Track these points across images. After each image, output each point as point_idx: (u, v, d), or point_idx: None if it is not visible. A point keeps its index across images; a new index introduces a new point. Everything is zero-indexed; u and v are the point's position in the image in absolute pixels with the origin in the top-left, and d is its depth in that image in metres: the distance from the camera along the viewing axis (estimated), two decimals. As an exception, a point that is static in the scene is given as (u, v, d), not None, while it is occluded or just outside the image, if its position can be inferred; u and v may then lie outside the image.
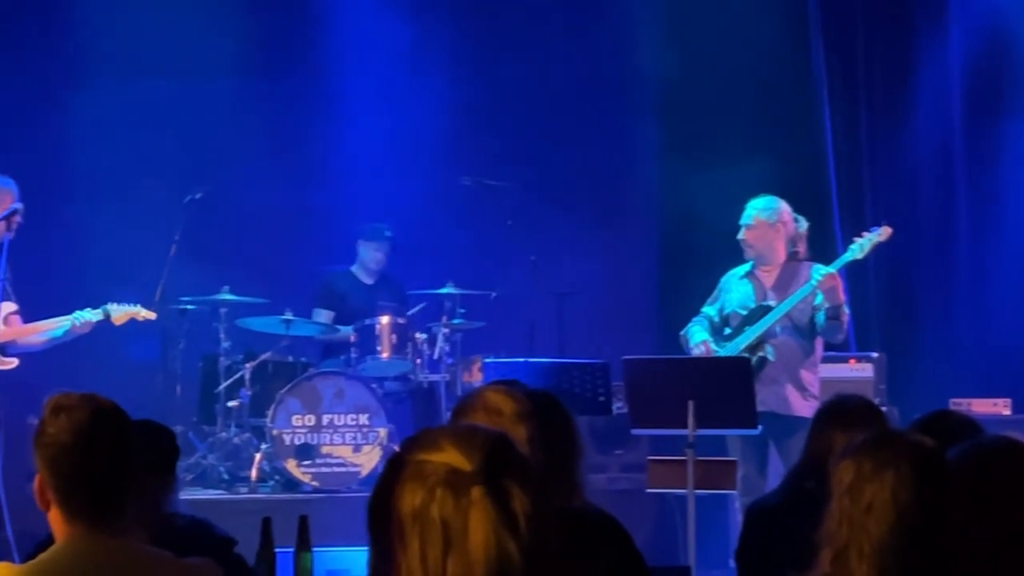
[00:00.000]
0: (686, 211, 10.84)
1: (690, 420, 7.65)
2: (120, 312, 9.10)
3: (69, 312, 9.00)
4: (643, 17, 11.44)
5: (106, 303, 9.12)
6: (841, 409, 5.03)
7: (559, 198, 11.32)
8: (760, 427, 8.15)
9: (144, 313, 9.21)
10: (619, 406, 8.92)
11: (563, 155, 11.31)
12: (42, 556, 3.20)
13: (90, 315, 8.99)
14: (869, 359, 10.09)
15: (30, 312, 9.05)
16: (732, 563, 8.45)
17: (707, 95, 11.03)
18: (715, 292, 9.12)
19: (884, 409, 8.55)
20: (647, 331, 10.57)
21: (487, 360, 9.35)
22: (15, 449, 9.00)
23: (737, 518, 8.85)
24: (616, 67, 11.62)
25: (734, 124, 10.85)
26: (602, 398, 8.36)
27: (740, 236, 8.87)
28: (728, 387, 7.78)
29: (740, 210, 8.89)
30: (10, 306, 8.93)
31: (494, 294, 10.40)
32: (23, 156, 10.33)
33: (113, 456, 3.21)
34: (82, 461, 3.19)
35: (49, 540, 3.30)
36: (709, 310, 9.06)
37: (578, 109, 11.47)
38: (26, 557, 3.70)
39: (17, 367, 9.03)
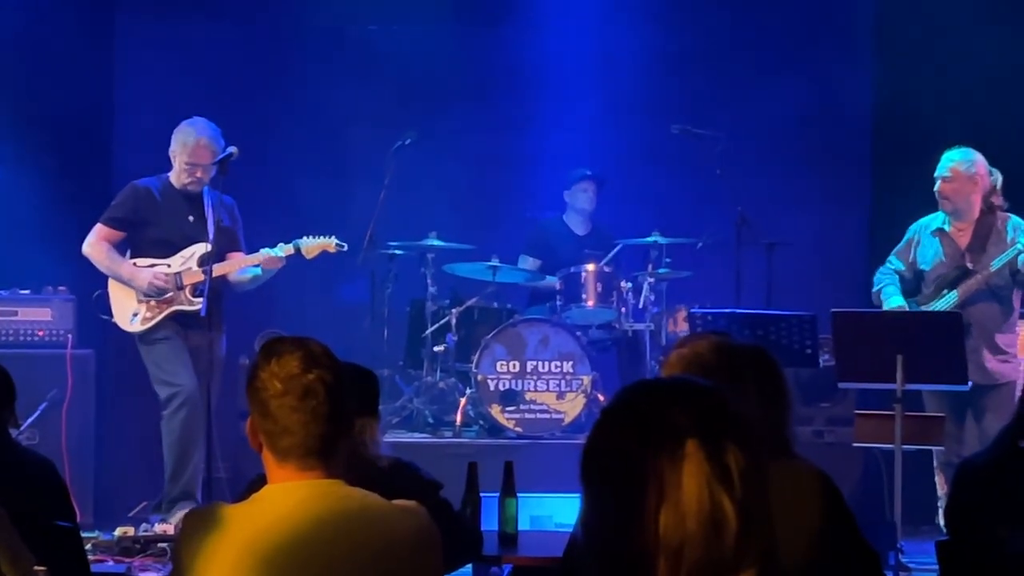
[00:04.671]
0: (899, 160, 10.63)
1: (899, 374, 7.58)
2: (311, 245, 9.04)
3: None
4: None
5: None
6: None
7: (768, 148, 11.18)
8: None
9: (335, 244, 9.14)
10: (826, 359, 8.84)
11: (774, 104, 11.14)
12: (254, 496, 3.24)
13: (279, 251, 8.97)
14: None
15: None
16: (938, 520, 8.40)
17: (926, 36, 10.71)
18: (904, 243, 9.02)
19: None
20: (856, 283, 10.39)
21: (692, 310, 9.30)
22: (228, 388, 9.18)
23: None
24: (827, 7, 11.44)
25: (957, 62, 10.51)
26: (809, 350, 8.29)
27: (936, 188, 8.80)
28: (939, 342, 7.69)
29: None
30: (201, 247, 9.03)
31: (700, 243, 10.35)
32: (238, 101, 10.52)
33: (324, 401, 3.21)
34: (293, 406, 3.19)
35: (260, 480, 3.33)
36: (898, 262, 8.98)
37: (789, 55, 11.28)
38: (238, 497, 3.76)
39: (227, 308, 9.17)
